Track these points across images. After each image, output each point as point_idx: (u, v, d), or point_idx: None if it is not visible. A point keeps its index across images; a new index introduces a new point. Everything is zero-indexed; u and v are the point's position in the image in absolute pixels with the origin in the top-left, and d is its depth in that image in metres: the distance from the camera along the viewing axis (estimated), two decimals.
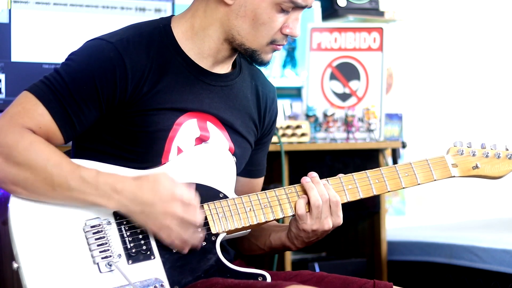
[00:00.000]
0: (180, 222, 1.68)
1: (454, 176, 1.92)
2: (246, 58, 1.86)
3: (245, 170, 1.98)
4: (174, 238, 1.69)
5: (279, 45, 1.83)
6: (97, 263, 1.67)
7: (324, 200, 1.80)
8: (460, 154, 1.93)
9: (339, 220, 1.83)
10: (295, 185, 1.85)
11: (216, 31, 1.82)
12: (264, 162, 2.04)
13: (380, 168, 1.89)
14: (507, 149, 1.96)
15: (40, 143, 1.68)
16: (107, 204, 1.68)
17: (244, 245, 1.98)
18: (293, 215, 1.83)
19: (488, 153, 1.94)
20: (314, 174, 1.84)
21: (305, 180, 1.83)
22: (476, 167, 1.93)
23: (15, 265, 1.63)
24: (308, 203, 1.81)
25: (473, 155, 1.93)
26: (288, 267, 2.95)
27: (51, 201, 1.68)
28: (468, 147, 1.94)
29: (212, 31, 1.82)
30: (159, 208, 1.67)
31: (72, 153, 1.88)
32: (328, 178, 1.86)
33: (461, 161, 1.93)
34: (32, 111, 1.70)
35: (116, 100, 1.75)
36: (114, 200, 1.67)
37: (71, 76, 1.73)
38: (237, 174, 1.93)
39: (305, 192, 1.82)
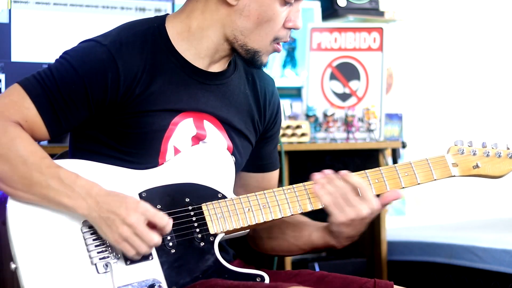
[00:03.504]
0: (135, 235, 1.65)
1: (454, 176, 1.90)
2: (245, 60, 1.85)
3: (256, 165, 1.99)
4: (134, 253, 1.66)
5: (282, 41, 1.82)
6: (95, 264, 1.67)
7: (339, 194, 1.79)
8: (461, 154, 1.91)
9: (373, 203, 1.80)
10: (295, 185, 1.85)
11: (216, 31, 1.81)
12: (275, 155, 2.03)
13: (380, 168, 1.87)
14: (508, 148, 1.94)
15: (24, 139, 1.68)
16: (78, 207, 1.65)
17: (282, 247, 1.96)
18: (292, 215, 1.83)
19: (489, 152, 1.92)
20: (317, 176, 1.83)
21: (313, 187, 1.82)
22: (477, 166, 1.91)
23: (13, 266, 1.63)
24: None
25: (474, 154, 1.91)
26: (288, 266, 2.95)
27: (24, 198, 1.67)
28: (469, 146, 1.92)
29: (211, 32, 1.82)
30: (122, 216, 1.63)
31: (70, 154, 1.88)
32: None
33: (461, 160, 1.91)
34: (19, 104, 1.70)
35: (106, 101, 1.75)
36: (86, 204, 1.65)
37: (61, 74, 1.73)
38: (248, 171, 1.95)
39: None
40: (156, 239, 1.66)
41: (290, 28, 1.82)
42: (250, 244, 2.03)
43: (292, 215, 1.83)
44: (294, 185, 1.84)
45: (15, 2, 2.52)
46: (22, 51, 2.53)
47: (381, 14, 3.52)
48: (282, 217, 1.82)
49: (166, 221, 1.67)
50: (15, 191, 1.67)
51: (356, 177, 1.82)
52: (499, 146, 1.94)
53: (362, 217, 1.81)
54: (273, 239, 1.97)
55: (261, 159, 2.00)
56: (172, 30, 1.83)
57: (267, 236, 1.98)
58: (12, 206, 1.67)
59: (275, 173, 2.04)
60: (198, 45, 1.83)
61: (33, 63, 2.52)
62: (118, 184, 1.72)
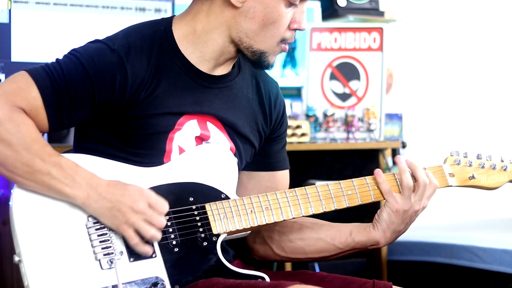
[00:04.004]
0: (145, 221, 1.68)
1: (451, 186, 1.93)
2: (251, 62, 1.84)
3: (265, 163, 1.99)
4: (137, 241, 1.68)
5: (288, 43, 1.83)
6: (99, 260, 1.67)
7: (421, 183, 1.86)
8: (457, 164, 1.94)
9: (427, 203, 1.89)
10: (297, 188, 1.85)
11: (221, 34, 1.81)
12: (283, 154, 2.03)
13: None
14: (502, 161, 1.98)
15: (29, 126, 1.68)
16: (78, 197, 1.67)
17: (317, 247, 1.95)
18: (293, 218, 1.83)
19: (484, 164, 1.95)
20: (409, 161, 1.88)
21: (401, 162, 1.88)
22: (473, 177, 1.94)
23: (16, 259, 1.64)
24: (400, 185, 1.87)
25: (470, 165, 1.95)
26: (288, 267, 2.95)
27: (23, 184, 1.68)
28: (464, 157, 1.95)
29: (217, 34, 1.81)
30: (128, 204, 1.67)
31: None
32: (328, 182, 1.87)
33: (458, 171, 1.94)
34: (26, 92, 1.70)
35: (111, 103, 1.75)
36: (87, 194, 1.67)
37: (70, 71, 1.73)
38: (258, 170, 1.96)
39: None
40: (164, 221, 1.70)
41: (295, 29, 1.82)
42: (268, 254, 2.01)
43: (293, 218, 1.83)
44: (296, 189, 1.85)
45: (15, 2, 2.52)
46: (22, 51, 2.53)
47: (381, 14, 3.52)
48: (283, 220, 1.83)
49: (165, 210, 1.70)
50: (15, 177, 1.67)
51: (423, 174, 1.87)
52: (493, 158, 1.97)
53: (415, 211, 1.88)
54: (305, 240, 1.95)
55: (269, 158, 2.00)
56: (178, 33, 1.83)
57: (298, 237, 1.96)
58: (17, 201, 1.68)
59: (286, 173, 2.03)
60: (203, 48, 1.83)
61: (33, 63, 2.50)
62: (123, 181, 1.73)
